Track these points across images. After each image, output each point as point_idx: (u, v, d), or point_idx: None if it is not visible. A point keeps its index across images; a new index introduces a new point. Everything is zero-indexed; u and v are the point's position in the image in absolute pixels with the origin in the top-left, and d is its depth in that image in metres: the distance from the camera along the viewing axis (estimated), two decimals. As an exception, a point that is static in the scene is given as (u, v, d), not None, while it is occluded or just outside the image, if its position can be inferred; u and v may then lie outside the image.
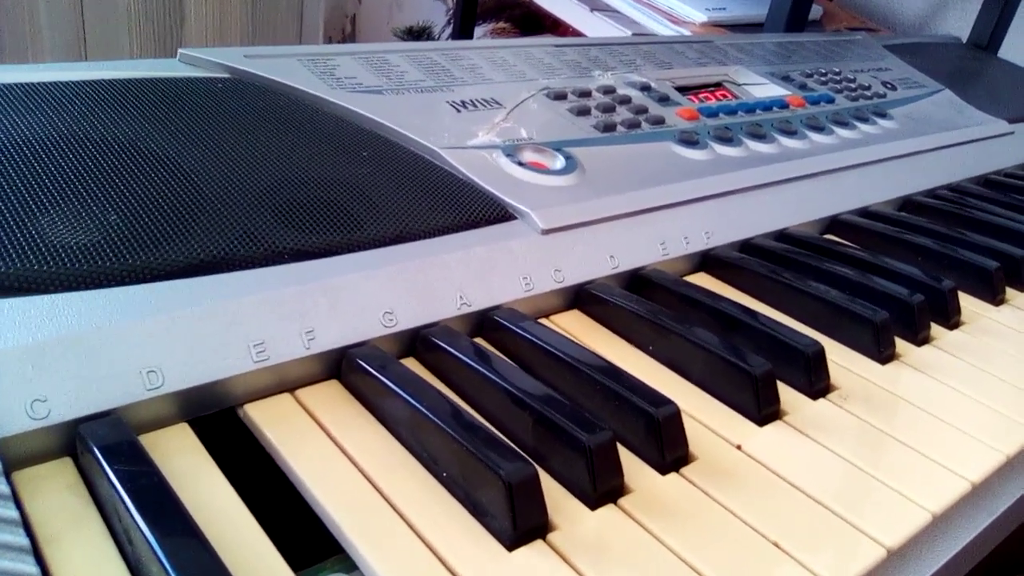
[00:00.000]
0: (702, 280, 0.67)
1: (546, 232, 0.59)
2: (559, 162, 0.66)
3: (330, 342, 0.48)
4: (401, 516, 0.40)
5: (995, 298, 0.71)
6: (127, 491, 0.36)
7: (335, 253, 0.52)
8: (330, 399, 0.48)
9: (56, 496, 0.39)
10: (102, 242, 0.47)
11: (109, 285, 0.45)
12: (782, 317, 0.63)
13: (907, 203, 0.87)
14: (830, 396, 0.55)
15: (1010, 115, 1.10)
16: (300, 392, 0.48)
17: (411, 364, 0.51)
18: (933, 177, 0.92)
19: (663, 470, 0.46)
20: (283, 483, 0.43)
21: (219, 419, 0.46)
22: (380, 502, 0.41)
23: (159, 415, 0.43)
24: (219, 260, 0.48)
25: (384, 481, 0.42)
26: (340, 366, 0.49)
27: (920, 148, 0.93)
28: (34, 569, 0.34)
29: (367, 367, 0.47)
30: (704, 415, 0.51)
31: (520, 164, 0.64)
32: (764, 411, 0.51)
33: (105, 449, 0.39)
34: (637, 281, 0.63)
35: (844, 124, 0.90)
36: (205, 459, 0.42)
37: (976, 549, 0.49)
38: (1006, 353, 0.63)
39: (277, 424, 0.45)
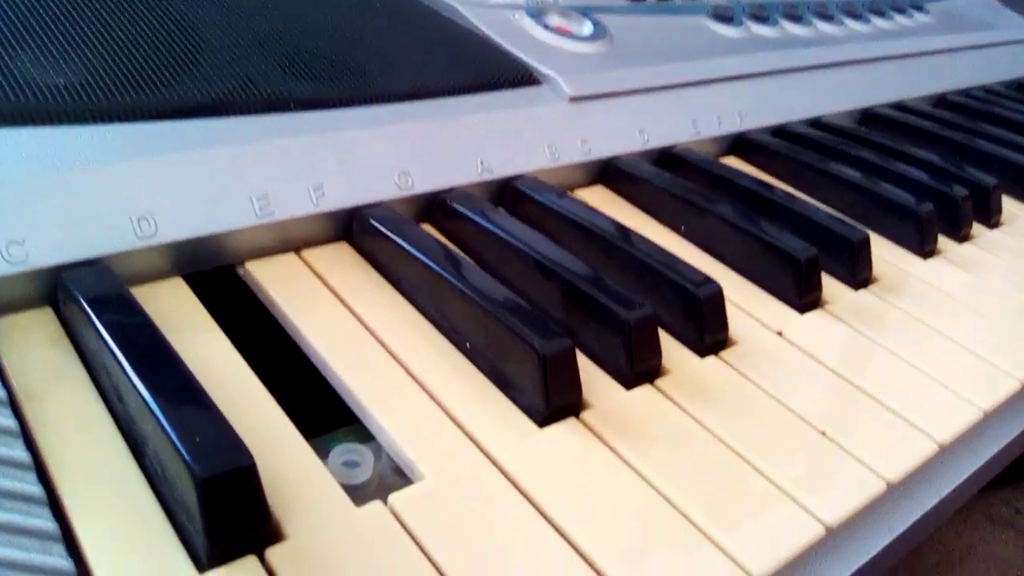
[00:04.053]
0: (733, 164, 0.63)
1: (573, 100, 0.54)
2: (587, 28, 0.61)
3: (340, 200, 0.44)
4: (420, 384, 0.37)
5: (1035, 200, 0.67)
6: (117, 343, 0.32)
7: (345, 105, 0.47)
8: (339, 261, 0.43)
9: (37, 349, 0.35)
10: (92, 81, 0.41)
11: (97, 122, 0.40)
12: (819, 206, 0.59)
13: (941, 100, 0.82)
14: (871, 288, 0.51)
15: (1046, 19, 1.05)
16: (307, 252, 0.43)
17: (427, 230, 0.47)
18: (967, 76, 0.87)
19: (702, 353, 0.42)
20: (286, 350, 0.39)
21: (218, 281, 0.41)
22: (396, 369, 0.37)
23: (151, 267, 0.39)
24: (219, 104, 0.43)
25: (401, 348, 0.38)
26: (351, 227, 0.44)
27: (955, 45, 0.88)
28: (12, 422, 0.30)
29: (382, 228, 0.43)
30: (742, 299, 0.47)
31: (545, 27, 0.59)
32: (806, 298, 0.47)
33: (92, 299, 0.35)
34: (667, 159, 0.58)
35: (881, 14, 0.84)
36: (203, 315, 0.38)
37: (1011, 451, 0.46)
38: (1049, 255, 0.60)
39: (282, 284, 0.41)
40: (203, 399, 0.30)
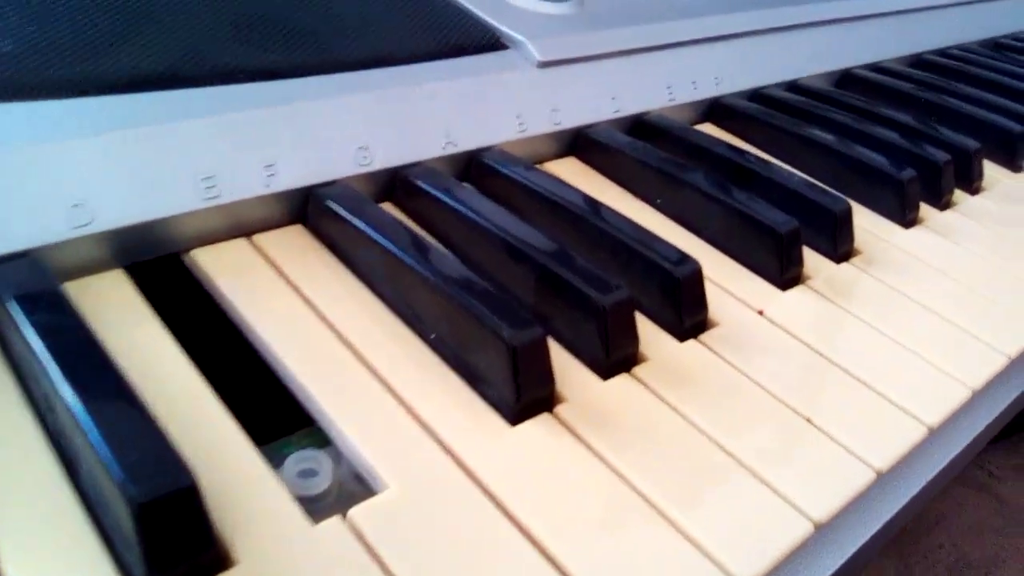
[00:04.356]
0: (709, 131, 0.60)
1: (543, 65, 0.51)
2: (555, -12, 0.58)
3: (294, 179, 0.41)
4: (382, 382, 0.34)
5: (1015, 163, 0.65)
6: (46, 347, 0.29)
7: (299, 75, 0.43)
8: (295, 246, 0.40)
9: (-41, 353, 0.32)
10: (17, 52, 0.38)
11: (23, 98, 0.36)
12: (798, 174, 0.56)
13: (917, 60, 0.80)
14: (854, 260, 0.49)
15: (1022, -26, 1.02)
16: (259, 237, 0.40)
17: (389, 209, 0.44)
18: (943, 36, 0.85)
19: (681, 336, 0.40)
20: (237, 347, 0.36)
21: (163, 269, 0.38)
22: (356, 365, 0.35)
23: (87, 259, 0.36)
24: (159, 76, 0.40)
25: (361, 341, 0.36)
26: (306, 208, 0.41)
27: (932, 4, 0.85)
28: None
29: (340, 209, 0.40)
30: (721, 276, 0.45)
31: (511, -13, 0.56)
32: (787, 274, 0.45)
33: (20, 297, 0.32)
34: (641, 127, 0.56)
35: (857, -30, 0.82)
36: (144, 311, 0.35)
37: (1005, 417, 0.45)
38: (1032, 221, 0.58)
39: (232, 273, 0.38)
40: (140, 410, 0.28)
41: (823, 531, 0.33)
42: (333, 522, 0.28)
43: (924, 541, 0.88)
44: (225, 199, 0.38)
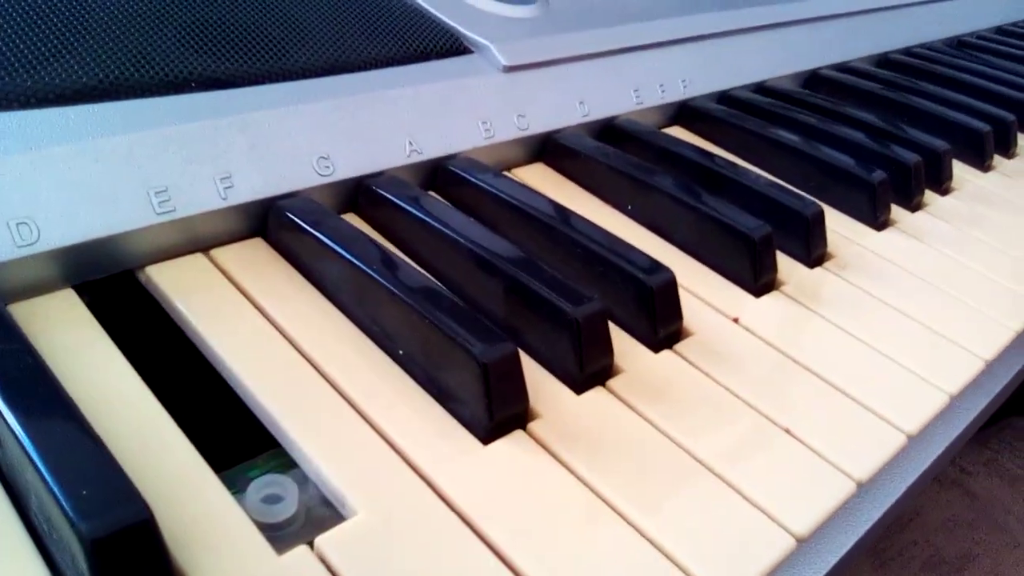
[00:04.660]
0: (678, 134, 0.59)
1: (508, 70, 0.50)
2: (519, -10, 0.57)
3: (252, 191, 0.39)
4: (349, 402, 0.33)
5: (984, 163, 0.65)
6: (-10, 375, 0.28)
7: (254, 83, 0.42)
8: (255, 260, 0.39)
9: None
10: (-47, 60, 0.36)
11: (-39, 111, 0.35)
12: (768, 177, 0.56)
13: (884, 60, 0.80)
14: (827, 264, 0.49)
15: (983, -27, 1.03)
16: (217, 252, 0.39)
17: (352, 221, 0.43)
18: (910, 35, 0.85)
19: (656, 347, 0.39)
20: (195, 367, 0.35)
21: (116, 288, 0.37)
22: (321, 384, 0.33)
23: (35, 278, 0.34)
24: (107, 86, 0.38)
25: (325, 359, 0.34)
26: (266, 221, 0.40)
27: (897, 3, 0.86)
28: None
29: (300, 222, 0.38)
30: (694, 284, 0.44)
31: (475, -10, 0.55)
32: (761, 280, 0.44)
33: (-39, 321, 0.30)
34: (609, 132, 0.55)
35: (822, -30, 0.81)
36: (96, 332, 0.33)
37: (981, 419, 0.44)
38: (1000, 221, 0.58)
39: (189, 290, 0.36)
40: (92, 439, 0.26)
41: (803, 543, 0.32)
42: (300, 552, 0.27)
43: (898, 539, 0.88)
44: (180, 213, 0.37)
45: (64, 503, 0.24)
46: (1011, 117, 0.69)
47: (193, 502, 0.28)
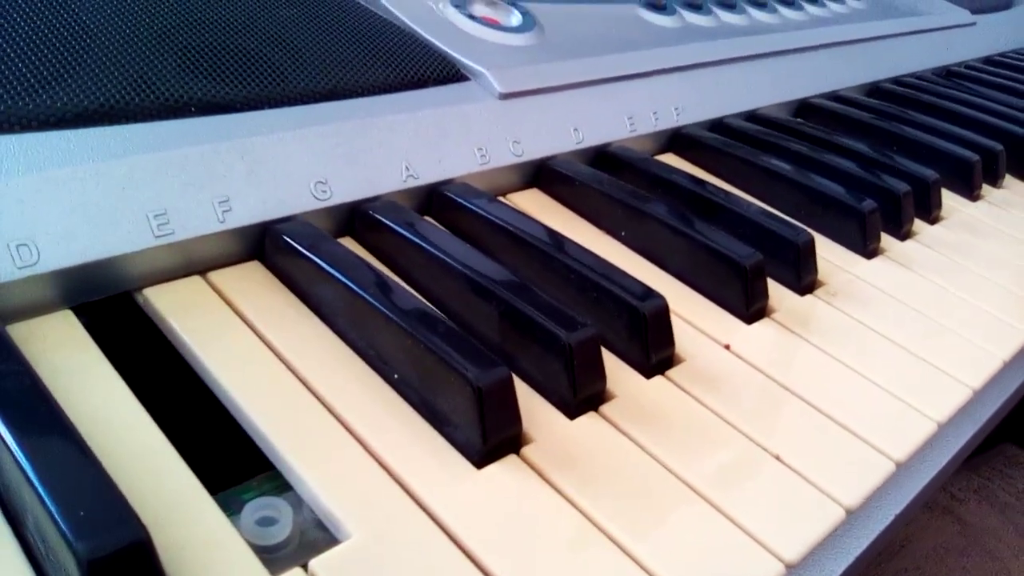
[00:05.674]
0: (671, 161, 0.60)
1: (504, 97, 0.51)
2: (515, 18, 0.57)
3: (250, 215, 0.40)
4: (344, 425, 0.33)
5: (972, 193, 0.66)
6: (-12, 395, 0.28)
7: (253, 108, 0.43)
8: (251, 284, 0.39)
9: None
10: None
11: (-38, 134, 0.35)
12: (760, 205, 0.56)
13: (875, 89, 0.81)
14: (817, 292, 0.49)
15: (972, 6, 1.05)
16: (214, 275, 0.39)
17: (348, 245, 0.43)
18: (899, 64, 0.86)
19: (648, 373, 0.39)
20: (195, 388, 0.35)
21: (114, 309, 0.37)
22: (316, 407, 0.33)
23: (35, 299, 0.34)
24: (107, 109, 0.39)
25: (321, 383, 0.35)
26: (263, 244, 0.40)
27: (887, 32, 0.87)
28: None
29: (297, 245, 0.39)
30: (687, 310, 0.45)
31: (471, 17, 0.55)
32: (752, 307, 0.45)
33: (-40, 341, 0.30)
34: (603, 159, 0.55)
35: (814, 1, 0.83)
36: (94, 354, 0.34)
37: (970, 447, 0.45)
38: (989, 250, 0.59)
39: (186, 313, 0.37)
40: (89, 460, 0.26)
41: (792, 570, 0.32)
42: (294, 574, 0.27)
43: (888, 566, 0.88)
44: (178, 236, 0.37)
45: (61, 523, 0.24)
46: (999, 147, 0.70)
47: (189, 524, 0.28)
